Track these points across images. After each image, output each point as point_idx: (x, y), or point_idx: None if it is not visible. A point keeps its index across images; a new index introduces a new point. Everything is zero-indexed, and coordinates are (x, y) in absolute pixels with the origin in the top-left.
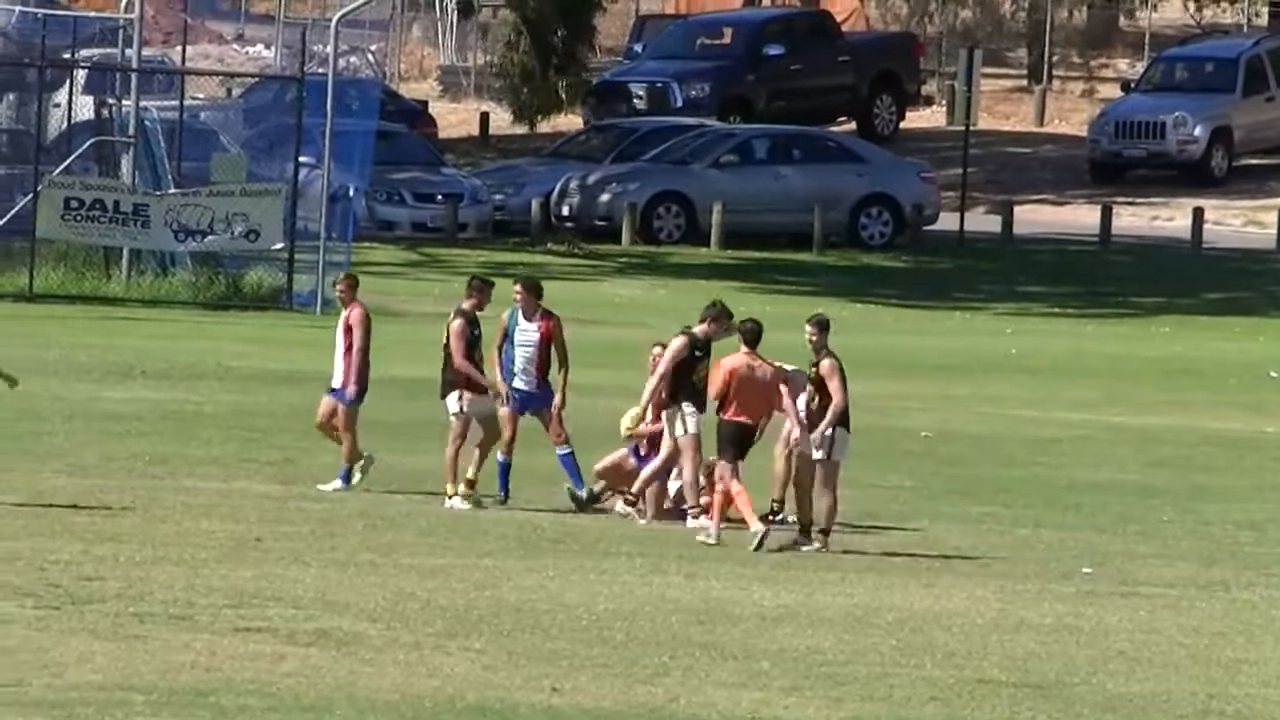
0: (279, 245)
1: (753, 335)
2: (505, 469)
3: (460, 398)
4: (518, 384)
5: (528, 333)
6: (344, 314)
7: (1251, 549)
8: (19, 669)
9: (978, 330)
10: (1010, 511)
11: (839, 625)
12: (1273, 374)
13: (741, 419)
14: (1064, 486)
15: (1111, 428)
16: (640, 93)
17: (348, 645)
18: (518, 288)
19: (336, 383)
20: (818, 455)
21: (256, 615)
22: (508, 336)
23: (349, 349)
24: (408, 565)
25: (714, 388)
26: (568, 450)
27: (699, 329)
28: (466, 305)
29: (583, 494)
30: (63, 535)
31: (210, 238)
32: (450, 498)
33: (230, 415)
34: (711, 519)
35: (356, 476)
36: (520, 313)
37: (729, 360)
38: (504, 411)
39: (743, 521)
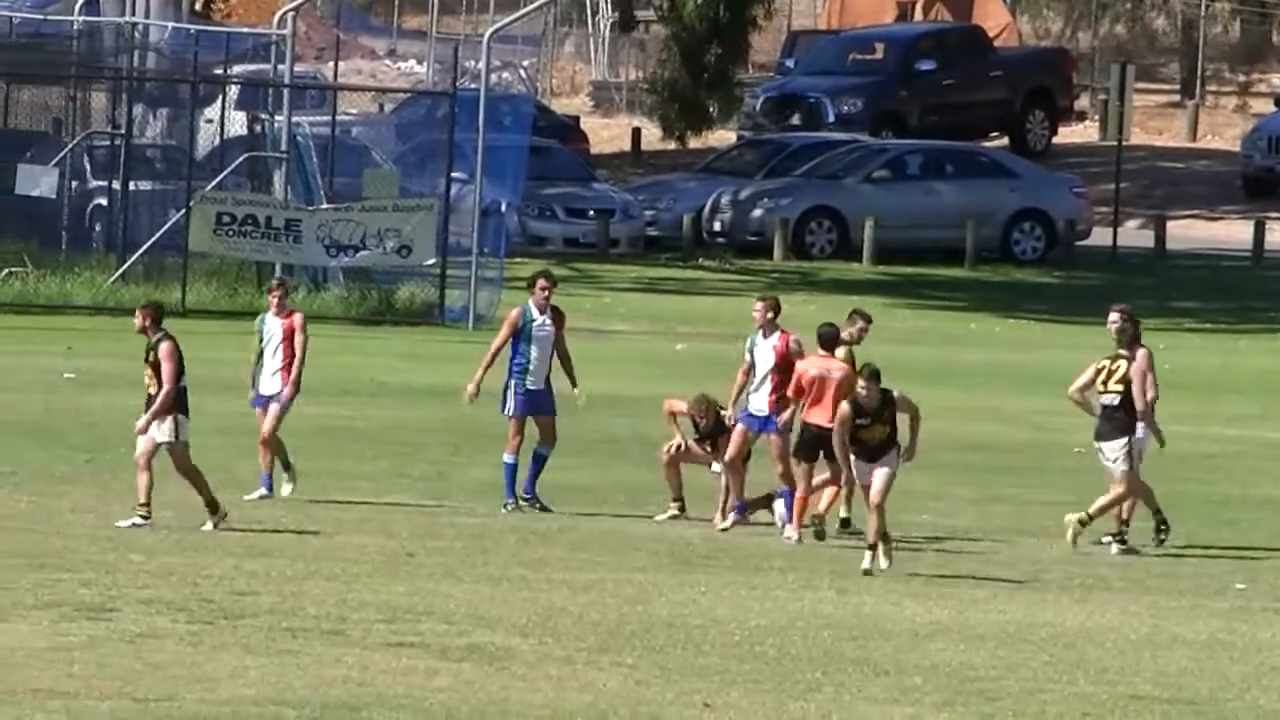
0: (431, 261)
1: (829, 339)
2: (512, 471)
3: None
4: (530, 384)
5: (545, 329)
6: (284, 322)
7: None
8: (172, 684)
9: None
10: (1170, 527)
11: (991, 641)
12: None
13: (819, 422)
14: (1218, 502)
15: (1266, 444)
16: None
17: (500, 660)
18: (542, 283)
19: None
20: None
21: (409, 630)
22: (524, 334)
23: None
24: (559, 580)
25: (793, 390)
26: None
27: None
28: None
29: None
30: (215, 550)
31: (362, 253)
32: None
33: (382, 430)
34: (791, 522)
35: (286, 488)
36: (535, 309)
37: (805, 364)
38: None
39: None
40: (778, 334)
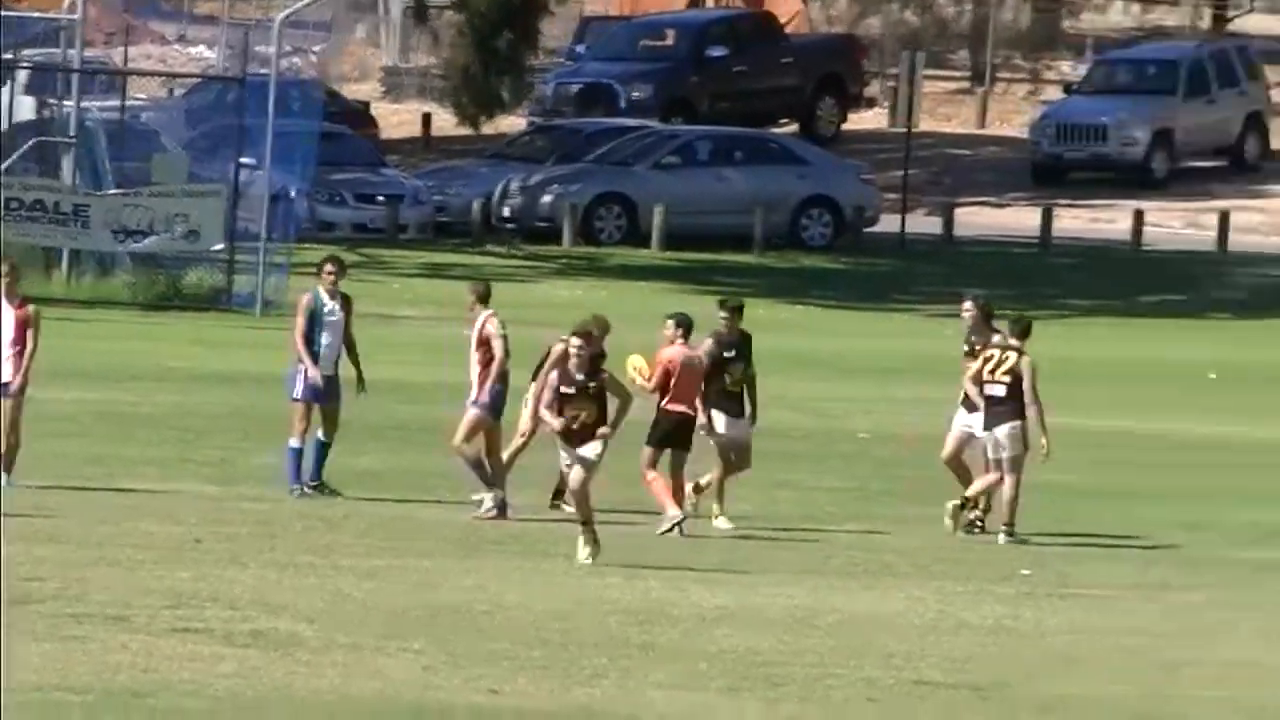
0: (219, 246)
1: (688, 327)
2: (298, 456)
3: None
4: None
5: (335, 314)
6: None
7: (1190, 550)
8: None
9: (917, 332)
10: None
11: (777, 626)
12: (1211, 376)
13: (683, 409)
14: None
15: (1054, 429)
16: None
17: (285, 646)
18: (329, 267)
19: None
20: None
21: (194, 616)
22: (315, 320)
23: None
24: (346, 566)
25: (656, 379)
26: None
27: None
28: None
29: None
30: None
31: (150, 238)
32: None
33: (169, 416)
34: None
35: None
36: (325, 295)
37: (670, 351)
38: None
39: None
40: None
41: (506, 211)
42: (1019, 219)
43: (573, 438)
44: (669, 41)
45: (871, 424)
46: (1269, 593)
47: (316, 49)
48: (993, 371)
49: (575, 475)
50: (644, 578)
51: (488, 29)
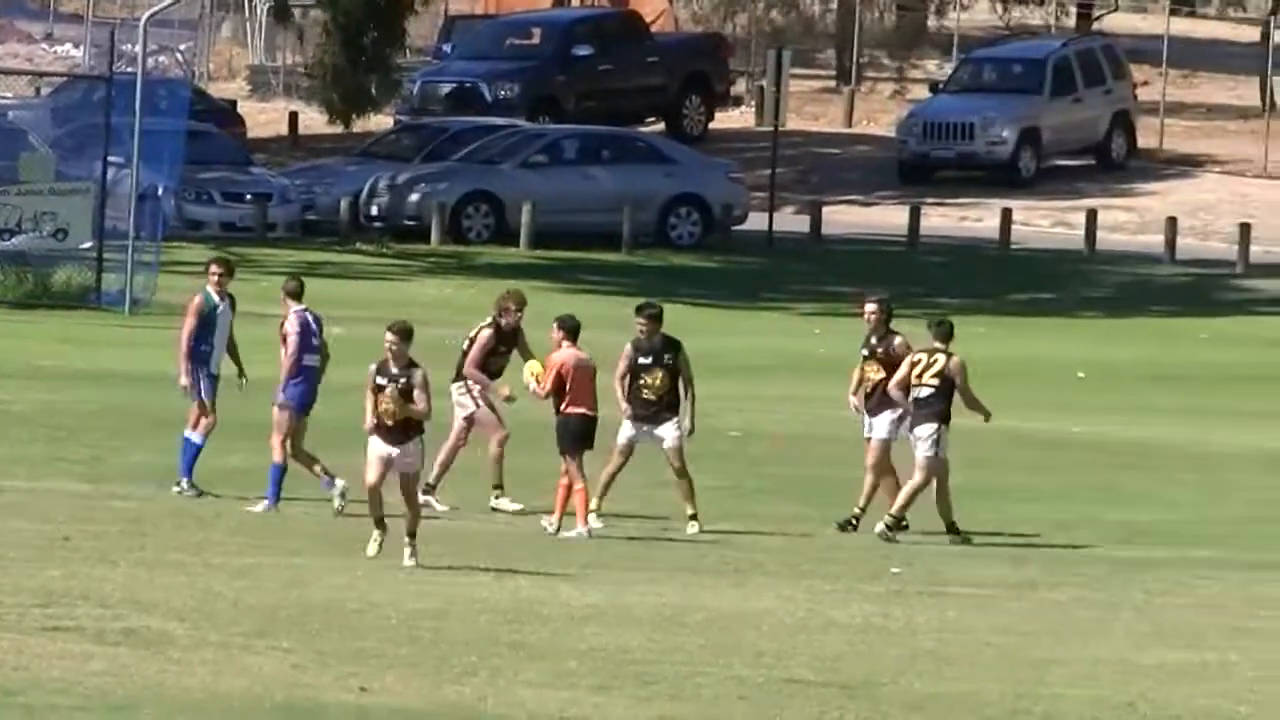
0: (87, 244)
1: (573, 330)
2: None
3: None
4: (213, 369)
5: (225, 314)
6: None
7: (1059, 549)
8: None
9: (786, 330)
10: (819, 511)
11: (647, 624)
12: (1080, 375)
13: (584, 411)
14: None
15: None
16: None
17: (156, 644)
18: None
19: None
20: None
21: (64, 614)
22: (207, 321)
23: None
24: (216, 565)
25: (548, 383)
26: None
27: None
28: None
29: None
30: None
31: (18, 237)
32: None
33: (38, 414)
34: (554, 512)
35: None
36: (215, 295)
37: (560, 355)
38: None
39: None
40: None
41: (374, 210)
42: (886, 218)
43: (384, 434)
44: (535, 40)
45: (742, 422)
46: (1138, 592)
47: (182, 48)
48: (920, 375)
49: (374, 474)
50: (513, 577)
51: (353, 27)
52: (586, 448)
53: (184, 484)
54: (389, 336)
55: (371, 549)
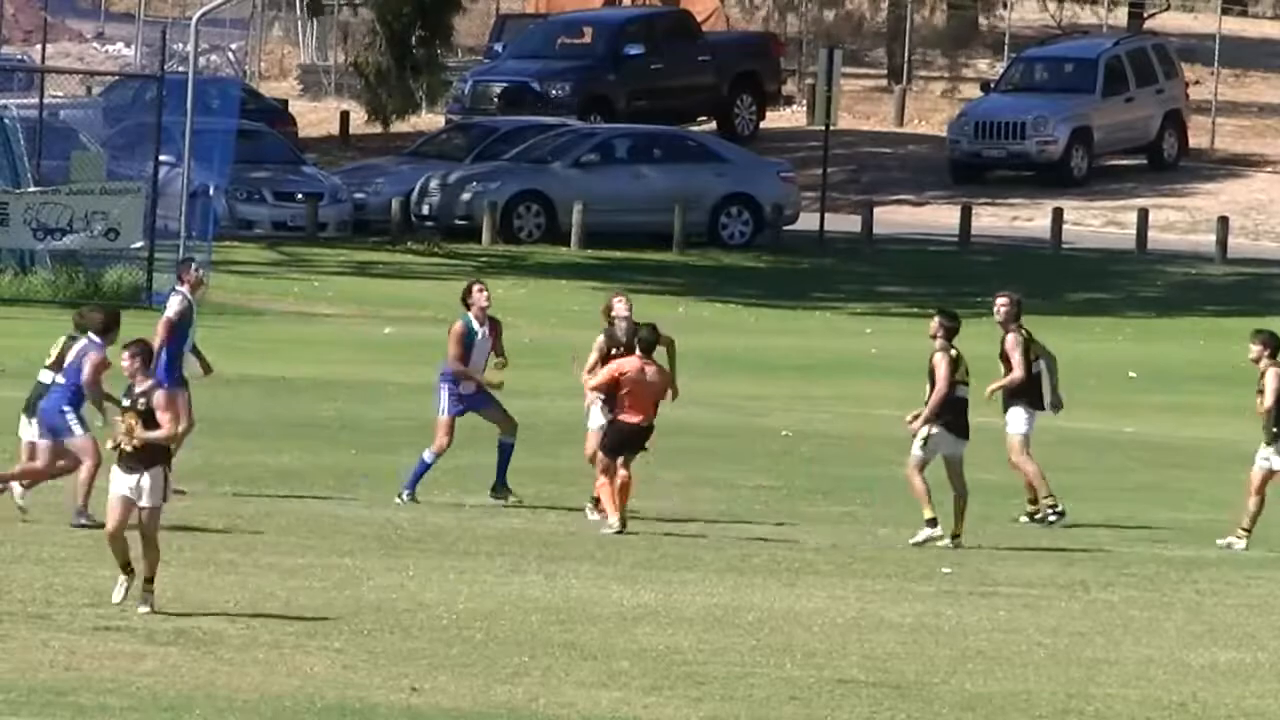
0: (138, 244)
1: (647, 343)
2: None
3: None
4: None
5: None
6: None
7: (1110, 548)
8: None
9: (838, 330)
10: (870, 511)
11: (699, 625)
12: (1131, 374)
13: (636, 420)
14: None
15: (976, 428)
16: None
17: (207, 644)
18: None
19: None
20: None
21: (115, 614)
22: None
23: None
24: (267, 564)
25: (600, 381)
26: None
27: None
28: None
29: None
30: None
31: (70, 236)
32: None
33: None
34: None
35: None
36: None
37: (626, 361)
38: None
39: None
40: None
41: (425, 210)
42: (937, 217)
43: (125, 462)
44: (586, 40)
45: (793, 422)
46: (1190, 591)
47: (234, 46)
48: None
49: (114, 520)
50: (565, 576)
51: (400, 26)
52: (632, 452)
53: (404, 496)
54: (124, 355)
55: (117, 594)
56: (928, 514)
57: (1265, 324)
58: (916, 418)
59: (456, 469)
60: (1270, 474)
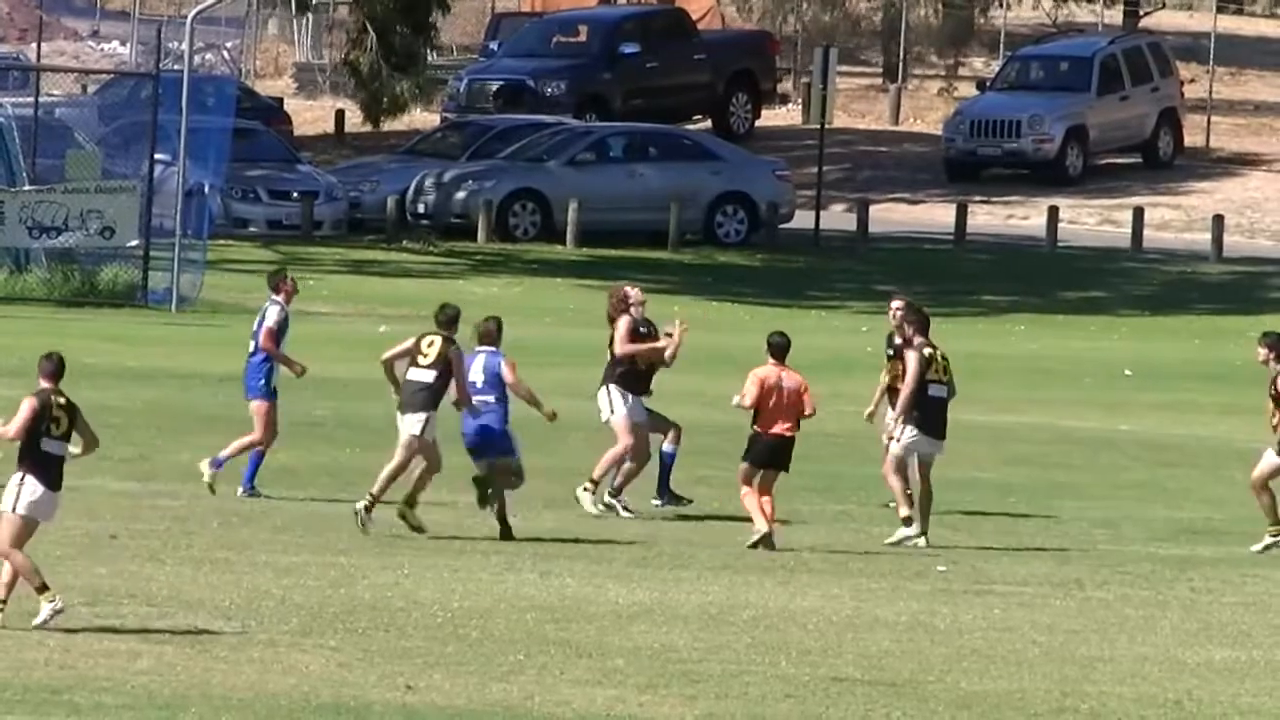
0: (134, 242)
1: (782, 349)
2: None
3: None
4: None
5: None
6: None
7: (1105, 546)
8: None
9: (834, 328)
10: (865, 509)
11: (694, 623)
12: (1127, 372)
13: (778, 431)
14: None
15: (968, 425)
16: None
17: (202, 643)
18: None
19: None
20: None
21: (111, 613)
22: None
23: None
24: (262, 563)
25: (750, 398)
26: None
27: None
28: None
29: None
30: None
31: (65, 235)
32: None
33: (86, 412)
34: (759, 517)
35: None
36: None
37: (763, 371)
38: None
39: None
40: None
41: (421, 208)
42: (933, 215)
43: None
44: (582, 38)
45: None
46: (1185, 589)
47: (229, 45)
48: (937, 370)
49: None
50: (560, 575)
51: (385, 24)
52: (775, 466)
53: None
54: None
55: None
56: (904, 513)
57: (1261, 322)
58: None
59: (448, 469)
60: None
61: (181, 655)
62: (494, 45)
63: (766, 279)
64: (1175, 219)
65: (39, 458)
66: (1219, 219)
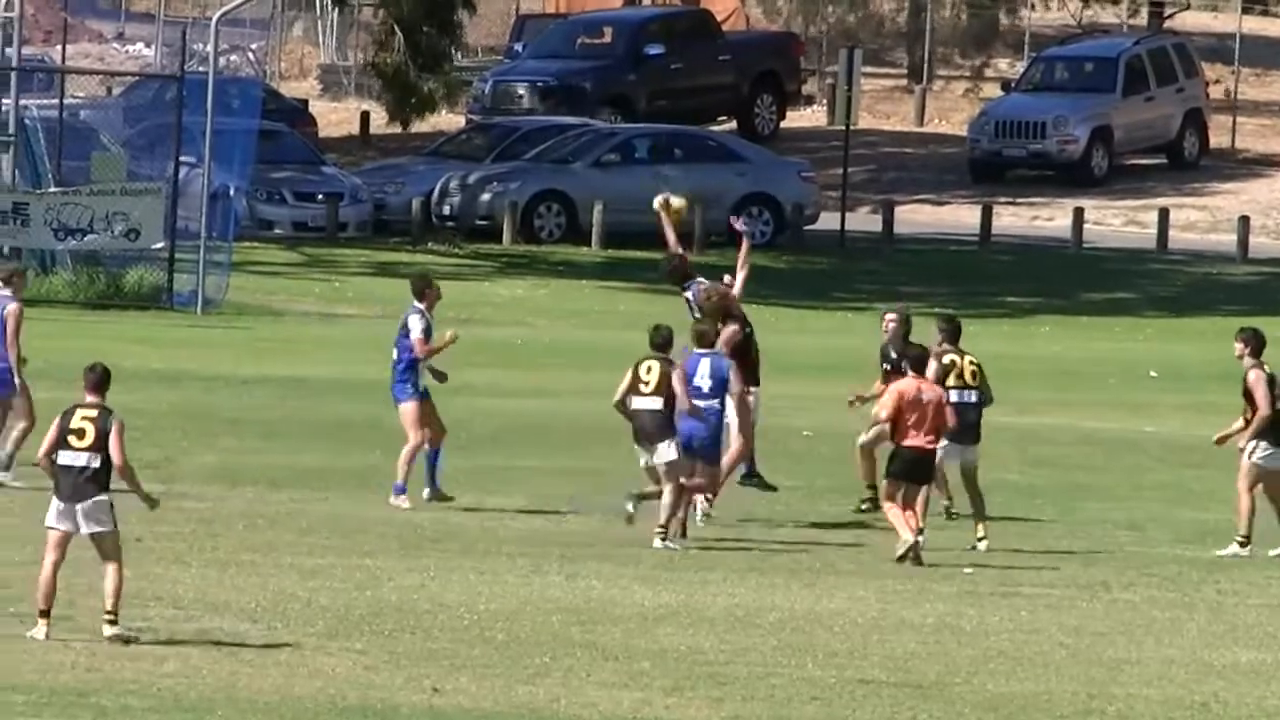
0: (159, 244)
1: (921, 361)
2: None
3: None
4: None
5: None
6: None
7: (1131, 549)
8: None
9: (858, 330)
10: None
11: (720, 625)
12: (1152, 374)
13: (917, 444)
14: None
15: (992, 427)
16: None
17: (228, 646)
18: None
19: None
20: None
21: (137, 615)
22: None
23: None
24: (288, 565)
25: (886, 411)
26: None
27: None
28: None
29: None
30: None
31: (90, 236)
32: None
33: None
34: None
35: None
36: None
37: (901, 384)
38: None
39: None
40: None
41: (446, 210)
42: (958, 217)
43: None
44: (607, 39)
45: (813, 422)
46: (1211, 591)
47: (254, 46)
48: (962, 376)
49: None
50: (586, 577)
51: (410, 25)
52: (916, 480)
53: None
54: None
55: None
56: (943, 502)
57: None
58: (860, 399)
59: (476, 469)
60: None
61: (207, 658)
62: (518, 47)
63: (791, 280)
64: (1200, 220)
65: (57, 470)
66: (1244, 220)
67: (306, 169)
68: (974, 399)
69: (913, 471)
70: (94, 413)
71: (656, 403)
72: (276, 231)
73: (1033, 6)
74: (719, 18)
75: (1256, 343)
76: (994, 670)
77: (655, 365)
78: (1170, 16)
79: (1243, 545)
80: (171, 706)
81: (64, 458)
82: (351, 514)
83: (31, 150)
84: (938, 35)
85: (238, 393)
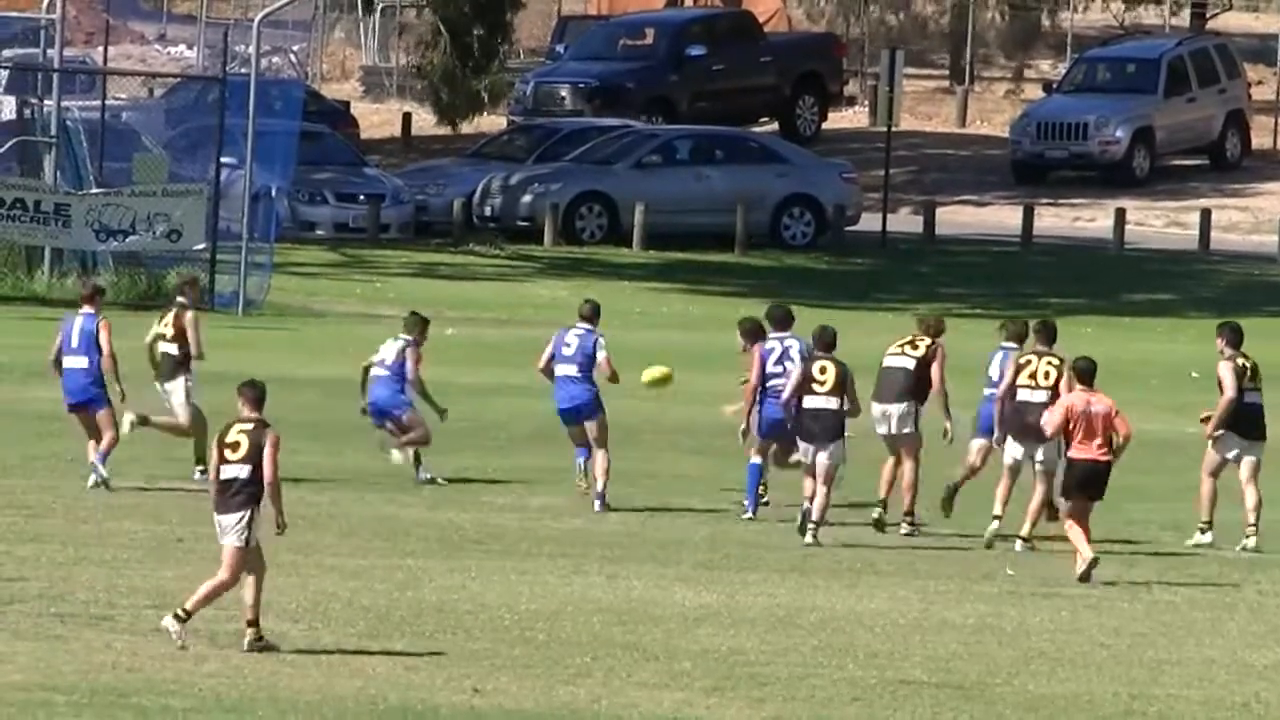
0: (201, 246)
1: (1087, 373)
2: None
3: None
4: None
5: None
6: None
7: (1173, 549)
8: None
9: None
10: (932, 513)
11: (761, 626)
12: (1194, 374)
13: (1087, 456)
14: (988, 487)
15: None
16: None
17: (270, 646)
18: None
19: None
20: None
21: None
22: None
23: None
24: (329, 566)
25: (1054, 425)
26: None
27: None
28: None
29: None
30: None
31: (132, 238)
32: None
33: (152, 415)
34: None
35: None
36: None
37: (1069, 398)
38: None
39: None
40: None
41: (487, 211)
42: (1000, 218)
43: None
44: (648, 41)
45: (855, 423)
46: (1251, 592)
47: (296, 48)
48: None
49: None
50: (627, 578)
51: (459, 26)
52: (1087, 495)
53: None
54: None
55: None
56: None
57: None
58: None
59: (514, 469)
60: (1234, 465)
61: (248, 659)
62: (560, 48)
63: (833, 281)
64: (1242, 221)
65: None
66: None
67: (348, 170)
68: (1041, 399)
69: (1083, 485)
70: (250, 426)
71: (833, 402)
72: (318, 232)
73: (1074, 8)
74: (761, 19)
75: (1233, 336)
76: (1035, 671)
77: (830, 365)
78: (1212, 17)
79: (1203, 532)
80: (212, 706)
81: (223, 472)
82: (391, 515)
83: (73, 152)
84: (979, 36)
85: (280, 394)
